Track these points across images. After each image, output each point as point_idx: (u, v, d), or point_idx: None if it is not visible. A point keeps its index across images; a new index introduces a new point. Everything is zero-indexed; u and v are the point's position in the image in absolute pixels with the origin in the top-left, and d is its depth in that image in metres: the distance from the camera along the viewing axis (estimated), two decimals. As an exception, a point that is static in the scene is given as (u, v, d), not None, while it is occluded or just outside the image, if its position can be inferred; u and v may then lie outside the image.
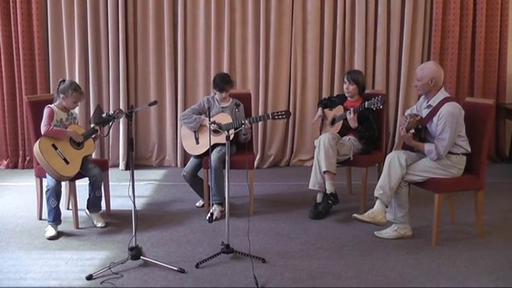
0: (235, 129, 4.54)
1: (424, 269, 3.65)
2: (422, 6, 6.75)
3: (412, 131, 4.04)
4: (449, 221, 4.53)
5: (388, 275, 3.55)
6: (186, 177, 4.98)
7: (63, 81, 4.47)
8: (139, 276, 3.53)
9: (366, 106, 4.64)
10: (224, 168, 4.27)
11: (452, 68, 6.79)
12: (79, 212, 4.53)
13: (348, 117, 4.75)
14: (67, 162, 4.28)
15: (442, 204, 4.03)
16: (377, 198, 4.11)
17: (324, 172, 4.64)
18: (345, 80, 5.02)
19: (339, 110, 5.01)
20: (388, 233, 4.22)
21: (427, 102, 4.16)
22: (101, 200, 4.61)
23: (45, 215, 4.46)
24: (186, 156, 6.74)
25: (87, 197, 4.57)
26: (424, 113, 4.17)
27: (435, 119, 4.01)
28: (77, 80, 6.47)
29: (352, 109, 4.75)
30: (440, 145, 3.97)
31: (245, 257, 3.76)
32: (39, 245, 4.09)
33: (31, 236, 4.30)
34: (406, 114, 4.38)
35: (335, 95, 6.10)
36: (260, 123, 6.85)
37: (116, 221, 4.65)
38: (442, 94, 4.09)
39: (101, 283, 3.42)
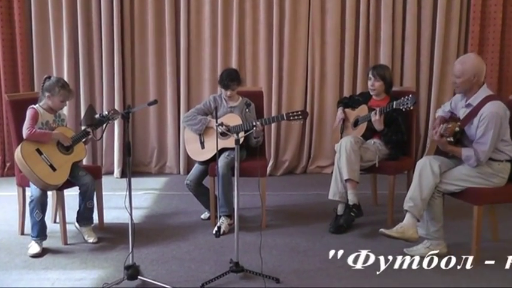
0: (245, 132, 4.54)
1: (462, 292, 3.60)
2: (458, -11, 6.70)
3: (450, 139, 3.93)
4: (491, 237, 4.47)
5: (421, 299, 3.51)
6: (189, 186, 4.97)
7: (49, 77, 4.47)
8: (135, 299, 3.52)
9: (394, 106, 4.61)
10: (233, 175, 4.28)
11: (494, 61, 6.72)
12: (68, 226, 4.52)
13: (373, 119, 4.73)
14: (54, 169, 4.27)
15: (482, 218, 3.98)
16: (407, 211, 4.07)
17: (346, 180, 4.62)
18: (370, 75, 5.01)
19: (362, 110, 4.99)
20: (419, 250, 4.16)
21: (466, 101, 4.07)
22: (92, 212, 4.61)
23: (28, 229, 4.46)
24: (189, 163, 6.74)
25: (77, 208, 4.56)
26: (462, 112, 4.09)
27: (475, 120, 3.92)
28: (65, 76, 6.53)
29: (378, 109, 4.73)
30: (480, 150, 3.89)
31: (257, 276, 3.75)
32: (21, 264, 4.08)
33: (11, 253, 4.29)
34: (437, 115, 4.30)
35: (358, 93, 6.08)
36: (273, 125, 6.85)
37: (110, 236, 4.65)
38: (484, 92, 4.00)
39: (92, 307, 3.41)
